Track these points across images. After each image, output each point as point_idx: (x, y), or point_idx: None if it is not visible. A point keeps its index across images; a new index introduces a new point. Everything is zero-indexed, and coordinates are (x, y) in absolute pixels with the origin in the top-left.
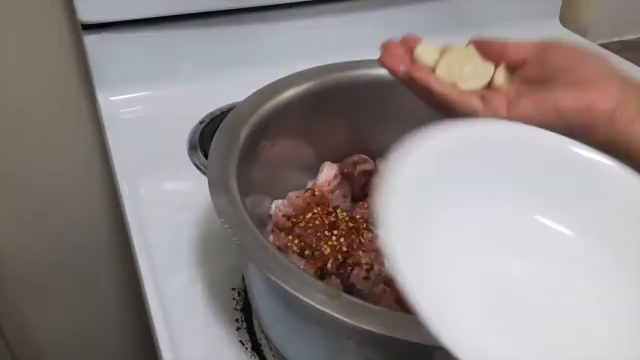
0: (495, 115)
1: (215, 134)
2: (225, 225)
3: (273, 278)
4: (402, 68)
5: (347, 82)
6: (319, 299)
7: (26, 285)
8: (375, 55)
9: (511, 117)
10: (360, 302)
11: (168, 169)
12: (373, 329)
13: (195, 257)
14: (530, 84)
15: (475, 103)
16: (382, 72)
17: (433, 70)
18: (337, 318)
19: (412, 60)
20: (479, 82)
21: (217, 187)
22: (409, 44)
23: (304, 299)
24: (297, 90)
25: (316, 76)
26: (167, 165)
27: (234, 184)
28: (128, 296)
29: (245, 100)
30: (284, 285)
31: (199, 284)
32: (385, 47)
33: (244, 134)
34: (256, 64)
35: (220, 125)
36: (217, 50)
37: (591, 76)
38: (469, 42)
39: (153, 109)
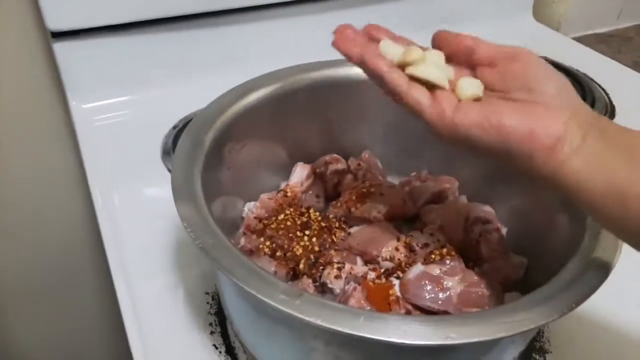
0: (440, 116)
1: (179, 140)
2: (188, 230)
3: (235, 280)
4: (355, 50)
5: (316, 82)
6: (280, 299)
7: (4, 296)
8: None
9: (454, 123)
10: (322, 300)
11: (142, 175)
12: (334, 328)
13: (169, 263)
14: (487, 90)
15: (422, 99)
16: (352, 71)
17: (399, 66)
18: (298, 317)
19: (367, 44)
20: (442, 76)
21: (180, 192)
22: (369, 33)
23: (265, 299)
24: (265, 91)
25: (284, 77)
26: (141, 172)
27: (198, 188)
28: (107, 303)
29: (210, 104)
30: (245, 286)
31: (173, 290)
32: (339, 31)
33: (209, 138)
34: (229, 67)
35: (185, 131)
36: (188, 55)
37: (544, 101)
38: (436, 34)
39: (126, 116)
